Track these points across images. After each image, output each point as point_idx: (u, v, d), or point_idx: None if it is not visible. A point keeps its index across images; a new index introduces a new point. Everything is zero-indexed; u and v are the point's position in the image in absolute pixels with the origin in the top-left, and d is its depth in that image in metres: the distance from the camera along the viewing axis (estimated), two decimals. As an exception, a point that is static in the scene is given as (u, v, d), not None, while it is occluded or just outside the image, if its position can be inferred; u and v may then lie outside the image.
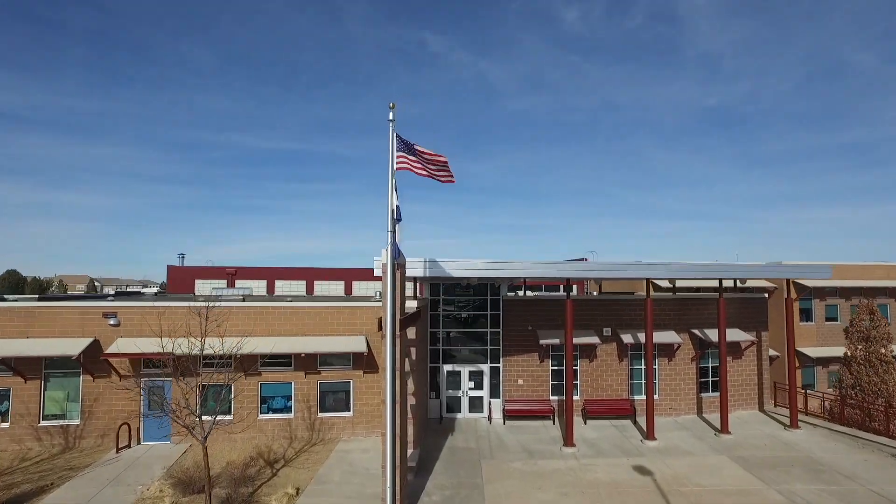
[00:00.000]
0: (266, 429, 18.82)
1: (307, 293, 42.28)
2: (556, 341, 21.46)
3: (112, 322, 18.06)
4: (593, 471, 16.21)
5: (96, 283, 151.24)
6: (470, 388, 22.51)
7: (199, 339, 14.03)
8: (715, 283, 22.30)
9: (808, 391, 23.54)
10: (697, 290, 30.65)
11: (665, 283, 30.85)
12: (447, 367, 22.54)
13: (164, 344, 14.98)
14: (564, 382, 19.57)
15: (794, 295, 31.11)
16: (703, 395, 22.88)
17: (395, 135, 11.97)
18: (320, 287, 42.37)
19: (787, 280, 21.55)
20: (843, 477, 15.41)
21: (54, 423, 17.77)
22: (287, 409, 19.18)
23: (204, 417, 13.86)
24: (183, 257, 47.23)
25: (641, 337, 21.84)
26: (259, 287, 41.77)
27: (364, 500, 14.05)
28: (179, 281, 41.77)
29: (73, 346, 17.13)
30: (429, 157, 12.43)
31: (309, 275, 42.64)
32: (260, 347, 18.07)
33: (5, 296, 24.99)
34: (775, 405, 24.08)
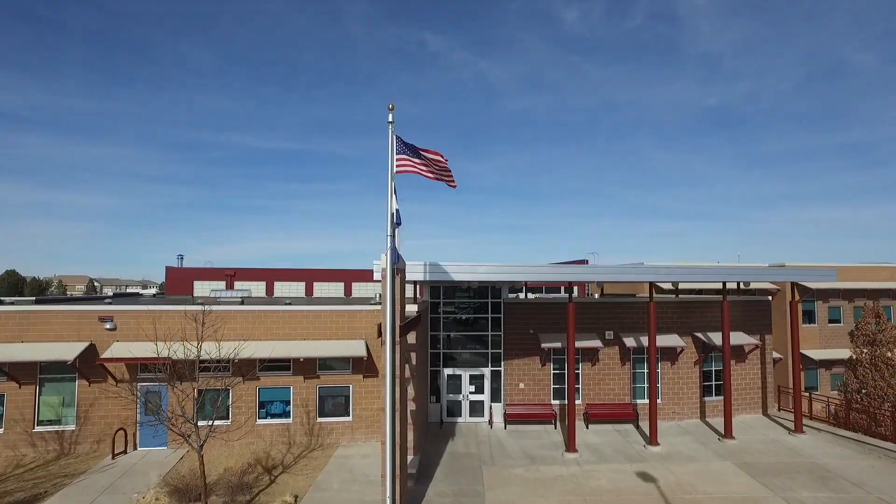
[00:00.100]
0: (264, 434, 18.58)
1: (306, 294, 42.02)
2: (558, 345, 21.21)
3: (108, 326, 17.82)
4: (596, 477, 15.96)
5: (96, 284, 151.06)
6: (471, 392, 22.27)
7: (196, 343, 13.80)
8: (717, 285, 22.08)
9: (813, 394, 23.24)
10: (699, 291, 30.41)
11: (667, 285, 30.61)
12: (448, 371, 22.30)
13: (160, 349, 14.80)
14: (566, 387, 19.33)
15: (796, 297, 30.87)
16: (706, 398, 22.64)
17: (394, 137, 11.72)
18: (320, 288, 42.11)
19: (792, 283, 21.23)
20: (851, 484, 15.16)
21: (49, 428, 17.52)
22: (286, 414, 18.94)
23: (201, 423, 13.66)
24: (182, 258, 47.08)
25: (644, 340, 21.60)
26: (258, 288, 41.53)
27: (363, 508, 13.80)
28: (178, 282, 41.53)
29: (69, 351, 16.89)
30: (433, 157, 12.18)
31: (308, 276, 42.37)
32: (258, 352, 17.84)
33: (2, 298, 24.76)
34: (779, 409, 23.83)
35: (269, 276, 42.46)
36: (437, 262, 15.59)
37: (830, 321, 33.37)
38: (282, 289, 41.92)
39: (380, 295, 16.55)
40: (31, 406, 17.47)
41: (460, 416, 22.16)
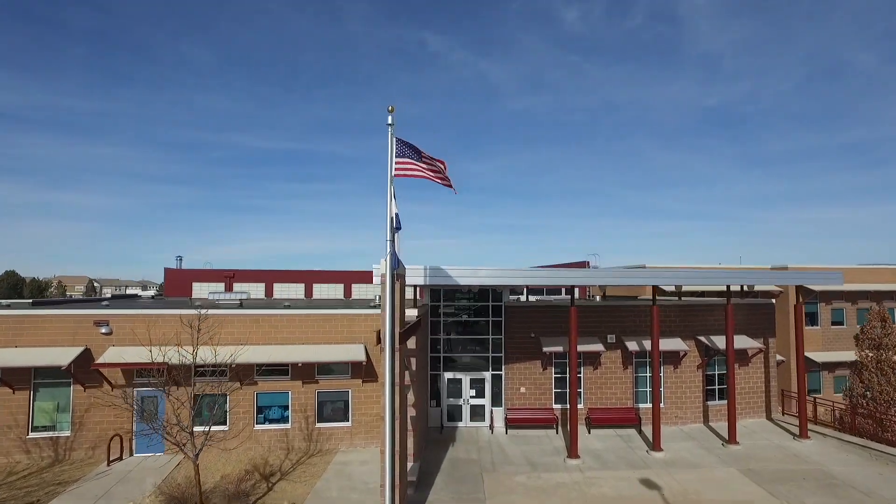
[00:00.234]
0: (262, 440, 18.32)
1: (306, 296, 41.76)
2: (560, 349, 20.95)
3: (104, 330, 17.56)
4: (599, 485, 15.70)
5: (95, 284, 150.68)
6: (471, 397, 22.00)
7: (195, 346, 13.56)
8: (720, 287, 21.84)
9: (818, 398, 22.97)
10: (702, 293, 30.17)
11: (670, 288, 30.36)
12: (448, 375, 22.04)
13: (156, 354, 14.57)
14: (568, 391, 19.08)
15: (800, 300, 30.58)
16: (709, 403, 22.38)
17: (394, 139, 11.45)
18: (319, 290, 41.82)
19: (796, 286, 20.94)
20: (859, 492, 14.90)
21: (44, 434, 17.26)
22: (284, 420, 18.68)
23: (198, 429, 13.43)
24: (181, 260, 46.82)
25: (646, 344, 21.32)
26: (257, 290, 41.25)
27: (362, 517, 13.55)
28: (177, 284, 41.26)
29: (63, 356, 16.62)
30: (435, 161, 11.92)
31: (308, 278, 42.09)
32: (256, 356, 17.60)
33: (-3, 301, 24.49)
34: (783, 413, 23.56)
35: (269, 277, 42.17)
36: (438, 265, 15.35)
37: (833, 323, 33.17)
38: (281, 290, 41.64)
39: (379, 297, 16.30)
40: (26, 412, 17.21)
41: (461, 420, 21.90)
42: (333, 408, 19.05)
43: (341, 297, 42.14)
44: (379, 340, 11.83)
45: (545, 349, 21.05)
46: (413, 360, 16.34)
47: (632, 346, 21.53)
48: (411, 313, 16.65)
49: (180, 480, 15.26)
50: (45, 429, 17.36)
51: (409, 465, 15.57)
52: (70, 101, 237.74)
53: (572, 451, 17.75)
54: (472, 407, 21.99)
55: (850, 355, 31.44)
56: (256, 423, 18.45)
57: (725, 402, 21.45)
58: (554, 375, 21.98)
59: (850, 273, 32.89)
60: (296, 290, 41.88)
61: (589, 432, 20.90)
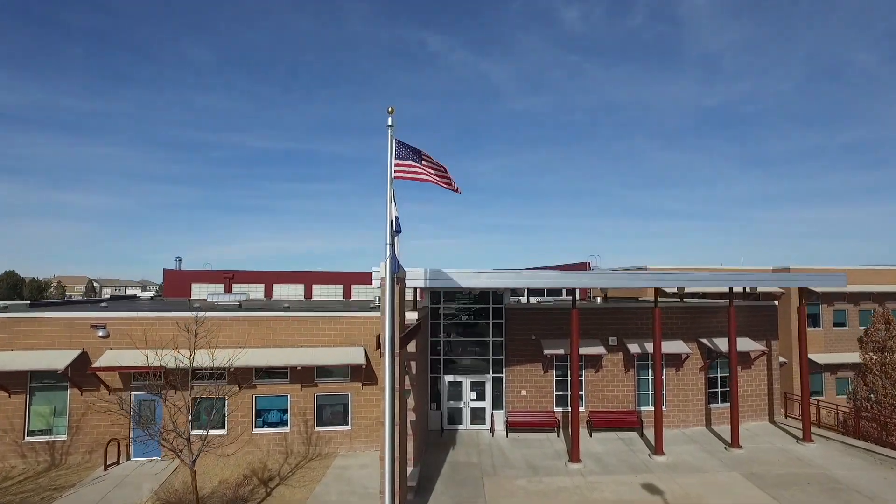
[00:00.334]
0: (261, 443, 18.16)
1: (305, 297, 41.57)
2: (561, 351, 20.78)
3: (101, 333, 17.39)
4: (600, 489, 15.54)
5: (95, 284, 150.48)
6: (472, 399, 21.84)
7: (192, 351, 13.39)
8: (722, 289, 21.64)
9: (821, 402, 22.78)
10: (703, 295, 30.00)
11: (672, 289, 30.22)
12: (448, 378, 21.87)
13: (153, 357, 14.41)
14: (570, 394, 18.92)
15: (803, 301, 30.42)
16: (711, 405, 22.22)
17: (393, 141, 11.28)
18: (319, 291, 41.62)
19: (800, 289, 20.79)
20: (863, 497, 14.73)
21: (40, 438, 17.08)
22: (283, 423, 18.51)
23: (195, 433, 13.25)
24: (180, 261, 46.56)
25: (648, 346, 21.16)
26: (257, 291, 41.06)
27: (362, 523, 13.39)
28: (176, 285, 41.05)
29: (60, 360, 16.45)
30: (436, 164, 11.74)
31: (307, 279, 41.88)
32: (254, 360, 17.43)
33: (-6, 303, 24.32)
34: (786, 416, 23.41)
35: (268, 278, 41.97)
36: (438, 268, 15.16)
37: (835, 325, 32.98)
38: (280, 291, 41.43)
39: (379, 298, 16.14)
40: (22, 416, 17.03)
41: (461, 423, 21.73)
42: (333, 411, 18.89)
43: (341, 298, 41.97)
44: (379, 345, 11.66)
45: (546, 352, 20.89)
46: (413, 364, 16.18)
47: (633, 348, 21.37)
48: (411, 316, 16.50)
49: (178, 486, 15.10)
50: (41, 433, 17.18)
51: (410, 469, 15.41)
52: (70, 101, 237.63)
53: (574, 455, 17.59)
54: (473, 410, 21.83)
55: (852, 357, 31.24)
56: (255, 427, 18.29)
57: (728, 405, 21.29)
58: (555, 378, 21.81)
59: (853, 274, 32.70)
60: (295, 291, 41.69)
61: (590, 435, 20.74)
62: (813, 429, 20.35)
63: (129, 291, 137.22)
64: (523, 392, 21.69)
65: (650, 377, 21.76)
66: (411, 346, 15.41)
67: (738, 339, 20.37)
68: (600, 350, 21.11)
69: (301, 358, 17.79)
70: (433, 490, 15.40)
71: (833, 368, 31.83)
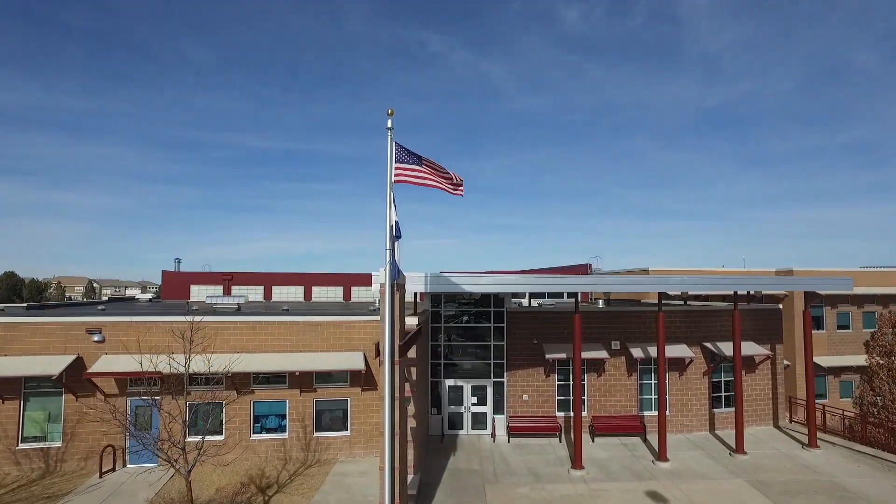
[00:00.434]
0: (259, 450, 17.89)
1: (305, 299, 41.33)
2: (563, 356, 20.51)
3: (96, 338, 17.13)
4: (604, 497, 15.27)
5: (95, 285, 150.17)
6: (473, 404, 21.57)
7: (188, 358, 13.14)
8: (725, 292, 21.42)
9: (827, 406, 22.47)
10: (706, 297, 29.73)
11: (675, 291, 29.97)
12: (449, 382, 21.61)
13: (150, 363, 14.16)
14: (572, 400, 18.65)
15: (808, 305, 30.12)
16: (715, 410, 21.94)
17: (393, 144, 11.01)
18: (318, 293, 41.38)
19: (805, 292, 20.47)
20: (872, 506, 14.46)
21: (34, 445, 16.83)
22: (281, 429, 18.26)
23: (193, 438, 13.01)
24: (179, 262, 46.16)
25: (651, 350, 20.90)
26: (256, 293, 40.79)
27: (361, 534, 13.11)
28: (175, 287, 40.78)
29: (54, 365, 16.19)
30: (440, 168, 11.47)
31: (307, 280, 41.63)
32: (252, 365, 17.17)
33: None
34: (790, 421, 23.13)
35: (267, 280, 41.72)
36: (439, 272, 14.94)
37: (839, 327, 32.68)
38: (280, 293, 41.19)
39: (379, 300, 15.84)
40: (15, 422, 16.78)
41: (462, 428, 21.47)
42: (332, 417, 18.63)
43: (341, 299, 41.73)
44: (378, 353, 11.39)
45: (548, 356, 20.62)
46: (413, 370, 15.91)
47: (636, 352, 21.09)
48: (411, 321, 16.24)
49: (174, 495, 14.82)
50: (35, 439, 16.92)
51: (410, 477, 15.13)
52: (70, 101, 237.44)
53: (577, 462, 17.31)
54: (474, 415, 21.56)
55: (856, 360, 30.96)
56: (253, 433, 18.03)
57: (732, 409, 21.04)
58: (557, 382, 21.55)
59: (856, 276, 32.34)
60: (295, 293, 41.46)
61: (593, 441, 20.47)
62: (818, 434, 20.08)
63: (129, 292, 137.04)
64: (525, 397, 21.43)
65: (653, 381, 21.50)
66: (411, 352, 15.14)
67: (742, 343, 20.10)
68: (603, 354, 20.83)
69: (300, 363, 17.52)
70: (434, 498, 15.13)
71: (837, 371, 31.55)
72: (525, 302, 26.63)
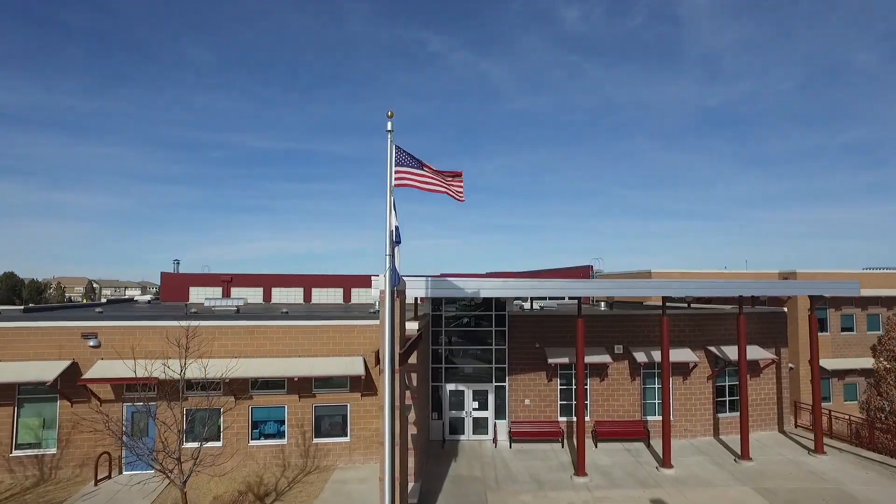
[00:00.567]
0: (257, 456, 17.63)
1: (305, 301, 41.07)
2: (566, 360, 20.25)
3: (92, 343, 16.86)
4: (608, 506, 15.01)
5: (95, 286, 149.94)
6: (474, 409, 21.30)
7: (183, 365, 12.88)
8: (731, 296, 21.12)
9: (833, 412, 22.16)
10: (709, 300, 29.45)
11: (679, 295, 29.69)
12: (450, 386, 21.34)
13: (147, 368, 13.94)
14: (575, 405, 18.38)
15: (808, 305, 29.84)
16: (719, 415, 21.66)
17: (393, 147, 10.74)
18: (318, 294, 41.14)
19: (811, 296, 20.17)
20: (882, 515, 14.19)
21: (28, 452, 16.55)
22: (280, 435, 17.99)
23: (189, 445, 12.77)
24: (178, 263, 45.90)
25: (655, 355, 20.62)
26: (255, 295, 40.54)
27: (360, 544, 12.85)
28: (173, 289, 40.51)
29: (49, 371, 15.92)
30: (442, 172, 11.20)
31: (306, 282, 41.39)
32: (250, 371, 16.91)
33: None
34: (795, 425, 22.85)
35: (267, 281, 41.48)
36: (440, 276, 14.68)
37: (843, 329, 32.41)
38: (279, 295, 40.95)
39: (379, 302, 15.59)
40: (9, 428, 16.50)
41: (463, 433, 21.20)
42: (331, 422, 18.36)
43: (341, 301, 41.47)
44: (378, 361, 11.13)
45: (550, 360, 20.35)
46: (414, 376, 15.64)
47: (640, 357, 20.81)
48: (412, 326, 15.96)
49: (170, 503, 14.56)
50: (29, 446, 16.65)
51: (411, 485, 14.88)
52: (70, 101, 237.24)
53: (579, 468, 17.04)
54: (475, 419, 21.30)
55: (860, 362, 30.69)
56: (251, 439, 17.76)
57: (736, 414, 20.76)
58: (559, 387, 21.28)
59: (860, 278, 32.14)
60: (294, 295, 41.21)
61: (596, 446, 20.19)
62: (825, 439, 19.80)
63: (129, 293, 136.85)
64: (527, 401, 21.16)
65: (656, 386, 21.23)
66: (412, 358, 14.88)
67: (747, 347, 19.82)
68: (606, 359, 20.56)
69: (298, 369, 17.25)
70: (435, 507, 14.87)
71: (841, 374, 31.27)
72: (526, 305, 26.35)
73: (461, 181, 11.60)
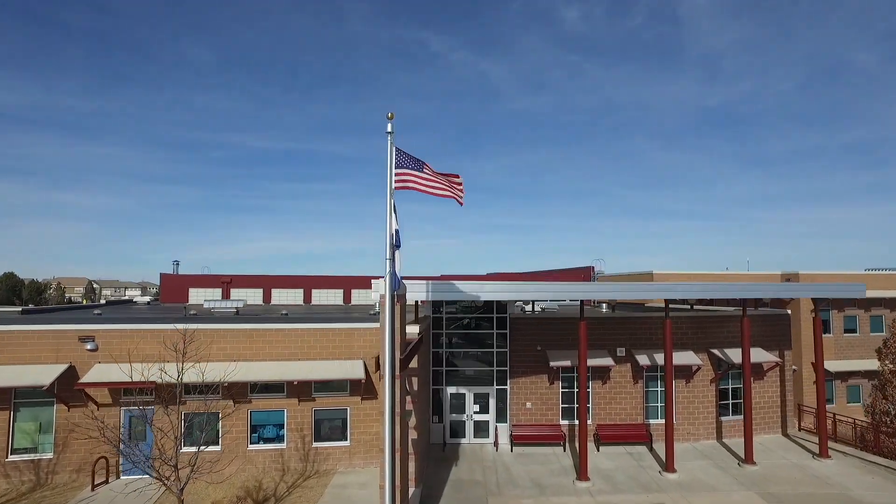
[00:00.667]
0: (256, 460, 17.45)
1: (305, 302, 40.89)
2: (567, 363, 20.06)
3: (89, 347, 16.69)
4: (611, 511, 14.82)
5: (95, 286, 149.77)
6: (475, 412, 21.12)
7: (180, 371, 12.70)
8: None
9: (838, 416, 21.94)
10: (711, 301, 29.27)
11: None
12: (451, 389, 21.16)
13: (144, 371, 13.76)
14: (578, 408, 18.19)
15: (810, 307, 29.67)
16: (722, 418, 21.48)
17: (393, 149, 10.55)
18: (318, 296, 40.94)
19: (815, 299, 19.96)
20: (889, 522, 14.00)
21: (24, 457, 16.37)
22: (279, 439, 17.81)
23: (187, 450, 12.59)
24: (177, 265, 45.72)
25: (657, 357, 20.42)
26: (255, 296, 40.36)
27: (360, 552, 12.66)
28: (173, 290, 40.32)
29: (45, 375, 15.73)
30: (443, 174, 11.01)
31: (306, 283, 41.20)
32: (249, 374, 16.72)
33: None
34: (799, 428, 22.65)
35: (267, 283, 41.28)
36: (440, 276, 14.48)
37: (846, 331, 32.20)
38: (279, 296, 40.76)
39: (378, 305, 15.41)
40: (5, 433, 16.32)
41: (464, 436, 21.02)
42: (331, 426, 18.17)
43: (341, 302, 41.26)
44: (379, 366, 10.94)
45: (552, 363, 20.17)
46: (415, 380, 15.45)
47: (642, 359, 20.62)
48: (412, 330, 15.77)
49: (167, 509, 14.38)
50: (25, 451, 16.47)
51: (411, 490, 14.70)
52: (70, 101, 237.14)
53: (582, 473, 16.85)
54: (476, 423, 21.12)
55: (864, 364, 30.51)
56: (250, 443, 17.58)
57: (740, 417, 20.57)
58: (561, 390, 21.09)
59: (863, 279, 31.97)
60: (294, 296, 41.01)
61: (598, 450, 20.00)
62: (829, 443, 19.60)
63: (129, 293, 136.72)
64: (528, 404, 20.97)
65: (659, 389, 21.05)
66: (413, 362, 14.69)
67: (751, 350, 19.62)
68: (608, 362, 20.37)
69: (298, 372, 17.07)
70: (436, 513, 14.69)
71: (844, 376, 31.08)
72: (528, 306, 26.18)
73: (461, 185, 11.42)
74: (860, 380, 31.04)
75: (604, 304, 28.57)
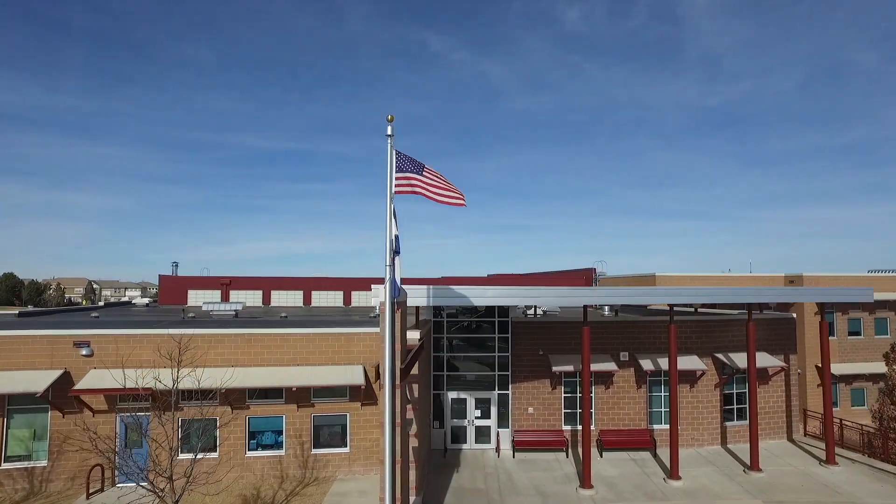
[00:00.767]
0: (254, 467, 17.17)
1: (304, 304, 40.62)
2: (570, 368, 19.77)
3: (84, 352, 16.41)
4: (616, 521, 14.54)
5: (94, 286, 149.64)
6: (476, 417, 20.84)
7: (175, 379, 12.42)
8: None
9: (844, 421, 21.64)
10: (713, 304, 28.99)
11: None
12: (452, 395, 20.88)
13: (140, 378, 13.49)
14: (581, 414, 17.91)
15: (814, 309, 29.44)
16: (727, 424, 21.18)
17: (393, 152, 10.27)
18: (318, 297, 40.66)
19: (821, 303, 19.67)
20: (899, 532, 13.71)
21: (18, 465, 16.08)
22: (278, 445, 17.53)
23: (183, 456, 12.32)
24: (176, 266, 45.47)
25: (661, 362, 20.15)
26: (255, 298, 40.08)
27: (360, 564, 12.38)
28: (172, 291, 40.05)
29: (39, 381, 15.45)
30: (441, 178, 10.73)
31: (306, 285, 40.91)
32: (248, 380, 16.44)
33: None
34: (805, 434, 22.36)
35: (266, 284, 40.99)
36: (442, 283, 14.21)
37: (850, 333, 31.92)
38: (279, 298, 40.47)
39: (379, 310, 15.13)
40: (-1, 440, 16.06)
41: (465, 442, 20.74)
42: (330, 432, 17.89)
43: (341, 304, 40.99)
44: (379, 375, 10.67)
45: (555, 368, 19.88)
46: (416, 386, 15.17)
47: (646, 364, 20.33)
48: (413, 335, 15.45)
49: (163, 518, 14.08)
50: (19, 458, 16.17)
51: (412, 499, 14.42)
52: (70, 101, 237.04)
53: (585, 481, 16.57)
54: (478, 428, 20.84)
55: (869, 367, 30.23)
56: (248, 450, 17.30)
57: (745, 422, 20.31)
58: (563, 395, 20.81)
59: (867, 281, 31.71)
60: (294, 298, 40.73)
61: (601, 456, 19.72)
62: (836, 449, 19.28)
63: (129, 293, 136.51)
64: (530, 410, 20.69)
65: (663, 394, 20.75)
66: (413, 369, 14.40)
67: (756, 355, 19.33)
68: (611, 366, 20.08)
69: (297, 378, 16.79)
70: (437, 522, 14.41)
71: (848, 379, 30.83)
72: (530, 310, 25.91)
73: (463, 198, 11.13)
74: (864, 383, 30.77)
75: (606, 308, 28.28)
